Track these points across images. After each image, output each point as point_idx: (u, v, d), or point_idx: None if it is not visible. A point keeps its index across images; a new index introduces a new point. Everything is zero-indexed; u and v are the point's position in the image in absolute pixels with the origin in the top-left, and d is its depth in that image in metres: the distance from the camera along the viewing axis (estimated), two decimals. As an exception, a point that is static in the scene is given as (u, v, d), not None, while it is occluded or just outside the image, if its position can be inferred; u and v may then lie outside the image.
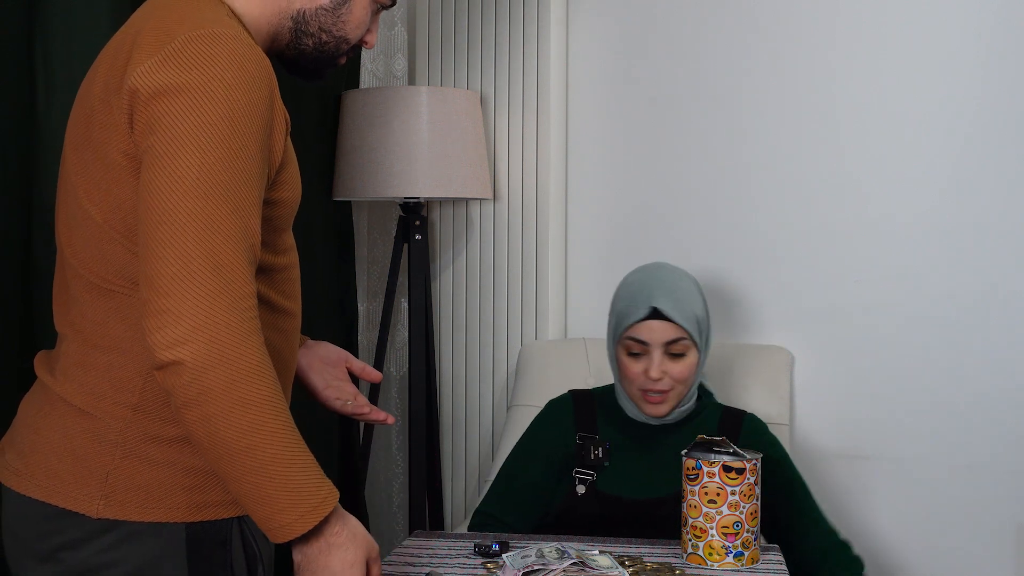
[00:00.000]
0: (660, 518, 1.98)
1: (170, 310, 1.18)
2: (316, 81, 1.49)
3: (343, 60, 1.48)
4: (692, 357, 1.99)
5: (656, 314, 1.96)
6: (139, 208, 1.22)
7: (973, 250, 2.54)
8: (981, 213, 2.53)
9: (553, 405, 2.12)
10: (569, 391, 2.14)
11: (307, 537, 1.26)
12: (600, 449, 2.01)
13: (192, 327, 1.17)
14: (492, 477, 2.32)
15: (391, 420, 1.62)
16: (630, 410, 2.05)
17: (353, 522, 1.31)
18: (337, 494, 1.28)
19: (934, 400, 2.57)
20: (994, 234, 2.52)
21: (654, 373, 1.95)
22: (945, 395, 2.56)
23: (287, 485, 1.22)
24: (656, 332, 1.96)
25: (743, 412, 2.10)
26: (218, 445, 1.20)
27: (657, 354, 1.96)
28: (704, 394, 2.14)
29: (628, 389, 2.02)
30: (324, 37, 1.42)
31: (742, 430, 2.04)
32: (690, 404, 2.05)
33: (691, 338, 1.97)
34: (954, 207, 2.55)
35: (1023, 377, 2.51)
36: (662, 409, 1.99)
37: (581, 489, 2.01)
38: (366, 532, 1.32)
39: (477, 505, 2.14)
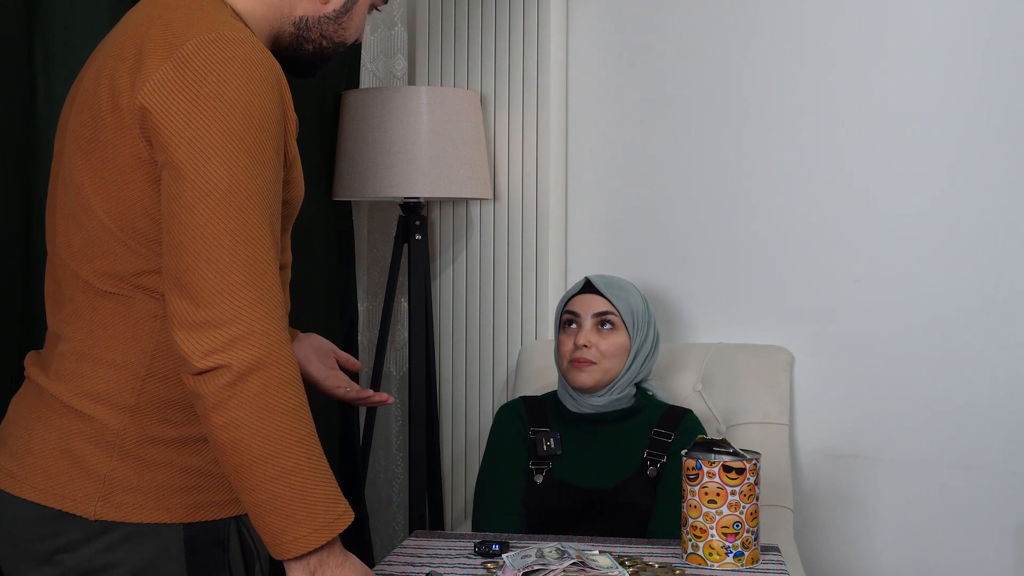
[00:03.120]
0: (615, 507, 2.05)
1: (210, 321, 1.19)
2: (307, 78, 1.50)
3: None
4: (621, 337, 2.13)
5: (589, 287, 2.16)
6: (166, 220, 1.22)
7: (973, 250, 2.54)
8: (981, 213, 2.53)
9: (505, 409, 2.21)
10: (520, 396, 2.25)
11: (311, 558, 1.24)
12: (552, 440, 2.11)
13: (232, 336, 1.18)
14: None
15: (391, 400, 1.67)
16: (571, 404, 2.15)
17: (355, 558, 1.30)
18: (352, 516, 1.27)
19: (934, 400, 2.56)
20: (994, 234, 2.52)
21: (581, 340, 2.11)
22: (945, 395, 2.56)
23: (305, 496, 1.22)
24: (588, 304, 2.15)
25: (686, 410, 2.17)
26: (242, 451, 1.20)
27: (587, 324, 2.13)
28: (645, 395, 2.20)
29: (561, 366, 2.16)
30: (324, 43, 1.44)
31: (680, 426, 2.13)
32: (624, 395, 2.15)
33: (620, 316, 2.13)
34: (954, 207, 2.55)
35: (1023, 377, 2.51)
36: (585, 378, 2.10)
37: (539, 478, 2.09)
38: (368, 569, 1.32)
39: (471, 526, 2.18)
